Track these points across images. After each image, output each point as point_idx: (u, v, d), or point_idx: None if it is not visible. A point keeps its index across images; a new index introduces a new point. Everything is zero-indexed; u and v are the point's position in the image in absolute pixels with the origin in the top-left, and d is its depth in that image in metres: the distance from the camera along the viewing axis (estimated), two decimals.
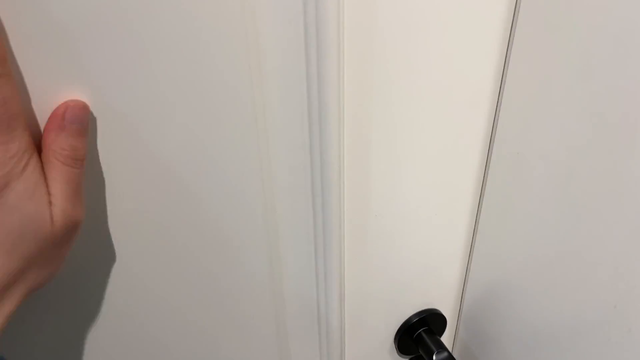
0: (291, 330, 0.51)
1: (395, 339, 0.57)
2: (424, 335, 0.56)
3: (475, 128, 0.45)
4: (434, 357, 0.54)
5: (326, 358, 0.53)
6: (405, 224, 0.47)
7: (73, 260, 0.34)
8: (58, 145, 0.28)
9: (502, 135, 0.44)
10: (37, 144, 0.28)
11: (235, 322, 0.47)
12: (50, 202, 0.27)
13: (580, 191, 0.37)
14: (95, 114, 0.30)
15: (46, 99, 0.29)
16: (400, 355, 0.59)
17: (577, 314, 0.42)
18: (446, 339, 0.61)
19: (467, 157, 0.46)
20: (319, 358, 0.54)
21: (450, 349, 0.55)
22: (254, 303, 0.46)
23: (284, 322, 0.50)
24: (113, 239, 0.36)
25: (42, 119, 0.29)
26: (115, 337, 0.42)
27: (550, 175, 0.40)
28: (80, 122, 0.29)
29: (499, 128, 0.44)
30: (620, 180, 0.33)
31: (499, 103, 0.43)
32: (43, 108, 0.29)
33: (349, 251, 0.47)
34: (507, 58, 0.41)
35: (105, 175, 0.33)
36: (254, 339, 0.49)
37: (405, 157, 0.43)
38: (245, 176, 0.38)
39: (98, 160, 0.32)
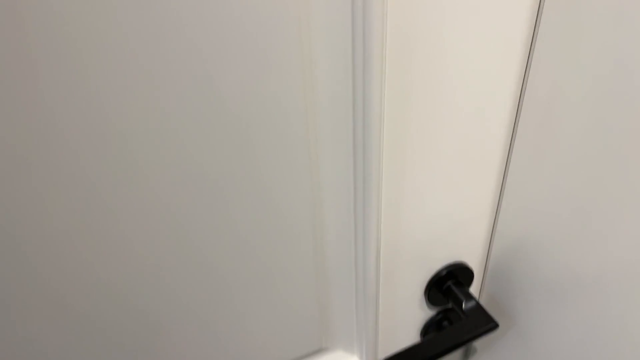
0: (331, 282, 0.54)
1: (425, 291, 0.60)
2: (452, 287, 0.59)
3: (506, 81, 0.47)
4: (464, 306, 0.57)
5: (362, 309, 0.56)
6: (437, 177, 0.50)
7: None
8: None
9: (533, 84, 0.46)
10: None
11: (278, 273, 0.50)
12: None
13: (610, 142, 0.39)
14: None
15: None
16: (429, 307, 0.62)
17: (603, 263, 0.44)
18: (473, 290, 0.64)
19: (497, 110, 0.49)
20: (355, 309, 0.57)
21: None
22: (296, 254, 0.49)
23: (325, 274, 0.53)
24: (155, 184, 0.39)
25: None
26: (156, 286, 0.45)
27: (581, 125, 0.42)
28: None
29: (530, 79, 0.46)
30: None
31: (530, 54, 0.45)
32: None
33: (384, 205, 0.49)
34: (541, 6, 0.43)
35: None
36: (296, 289, 0.52)
37: (440, 112, 0.46)
38: (292, 129, 0.41)
39: None
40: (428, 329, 0.64)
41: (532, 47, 0.45)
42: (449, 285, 0.59)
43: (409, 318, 0.62)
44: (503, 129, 0.51)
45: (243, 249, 0.46)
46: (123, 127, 0.35)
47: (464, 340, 0.54)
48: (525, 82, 0.47)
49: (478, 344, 0.71)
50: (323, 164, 0.45)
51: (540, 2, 0.43)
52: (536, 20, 0.44)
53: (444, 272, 0.59)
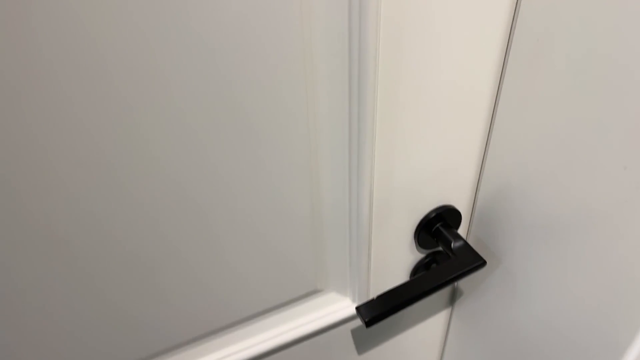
0: (325, 224, 0.55)
1: (415, 234, 0.62)
2: (441, 229, 0.61)
3: (495, 25, 0.48)
4: (452, 245, 0.59)
5: (355, 251, 0.58)
6: (428, 118, 0.51)
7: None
8: None
9: (523, 21, 0.47)
10: None
11: (275, 215, 0.51)
12: None
13: (598, 80, 0.41)
14: None
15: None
16: (419, 250, 0.65)
17: (585, 201, 0.47)
18: (461, 233, 0.66)
19: (486, 55, 0.50)
20: (349, 251, 0.59)
21: None
22: (293, 196, 0.50)
23: (320, 217, 0.54)
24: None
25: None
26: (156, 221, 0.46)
27: (568, 63, 0.43)
28: None
29: (519, 22, 0.47)
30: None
31: None
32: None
33: (376, 150, 0.50)
34: None
35: None
36: (292, 230, 0.53)
37: (430, 57, 0.47)
38: (288, 66, 0.41)
39: None
40: (417, 271, 0.67)
41: None
42: (437, 227, 0.61)
43: (400, 261, 0.64)
44: (491, 74, 0.52)
45: (238, 190, 0.47)
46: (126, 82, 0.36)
47: (454, 277, 0.57)
48: (514, 25, 0.48)
49: (464, 286, 0.75)
50: (320, 107, 0.46)
51: None
52: None
53: (433, 215, 0.61)
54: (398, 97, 0.48)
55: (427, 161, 0.56)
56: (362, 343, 0.74)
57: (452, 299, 0.79)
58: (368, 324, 0.54)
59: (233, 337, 0.61)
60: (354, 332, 0.71)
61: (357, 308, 0.56)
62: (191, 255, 0.50)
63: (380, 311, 0.54)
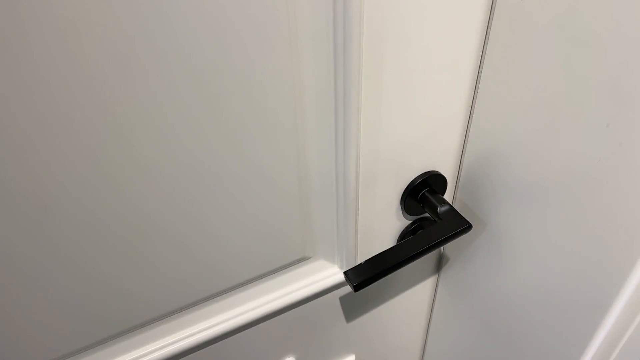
0: (313, 191, 0.55)
1: (401, 200, 0.62)
2: (427, 194, 0.62)
3: None
4: (439, 210, 0.60)
5: (342, 218, 0.58)
6: (412, 80, 0.51)
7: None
8: None
9: None
10: None
11: (261, 178, 0.51)
12: None
13: (581, 35, 0.41)
14: None
15: None
16: (406, 217, 0.65)
17: (569, 162, 0.47)
18: (446, 198, 0.66)
19: (471, 10, 0.49)
20: (336, 218, 0.59)
21: None
22: (279, 160, 0.50)
23: (307, 183, 0.54)
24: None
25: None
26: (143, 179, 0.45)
27: (551, 20, 0.43)
28: None
29: None
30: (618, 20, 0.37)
31: None
32: None
33: (363, 112, 0.50)
34: None
35: None
36: (279, 197, 0.53)
37: (414, 15, 0.46)
38: (272, 23, 0.41)
39: None
40: (404, 237, 0.67)
41: None
42: (423, 193, 0.62)
43: (387, 227, 0.65)
44: (475, 34, 0.52)
45: (222, 156, 0.47)
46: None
47: (440, 240, 0.58)
48: None
49: (450, 252, 0.76)
50: (305, 71, 0.45)
51: None
52: None
53: (419, 181, 0.61)
54: (382, 60, 0.47)
55: (412, 127, 0.56)
56: (350, 310, 0.75)
57: (439, 265, 0.80)
58: (356, 288, 0.55)
59: (222, 305, 0.61)
60: (343, 299, 0.72)
61: (345, 273, 0.56)
62: (176, 223, 0.50)
63: (368, 275, 0.55)
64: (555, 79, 0.45)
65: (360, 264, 0.56)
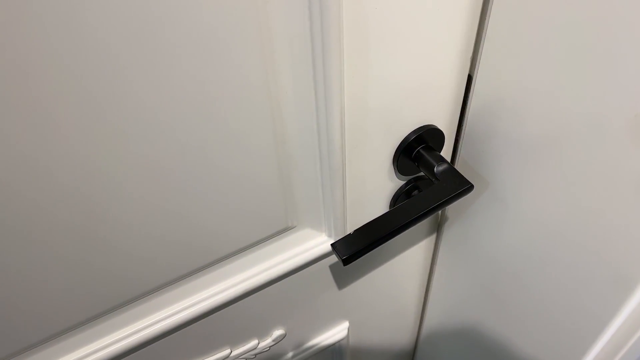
0: (292, 154, 0.49)
1: (394, 159, 0.56)
2: (422, 152, 0.55)
3: None
4: (435, 169, 0.53)
5: (328, 183, 0.52)
6: (403, 20, 0.43)
7: None
8: None
9: None
10: None
11: (231, 140, 0.44)
12: None
13: None
14: None
15: None
16: (399, 177, 0.59)
17: (583, 113, 0.40)
18: (445, 156, 0.60)
19: None
20: (321, 183, 0.53)
21: None
22: (251, 122, 0.43)
23: (284, 146, 0.47)
24: None
25: None
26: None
27: None
28: None
29: None
30: None
31: None
32: None
33: (346, 59, 0.43)
34: None
35: None
36: (254, 163, 0.47)
37: None
38: None
39: None
40: (398, 200, 0.61)
41: None
42: (418, 150, 0.55)
43: (378, 190, 0.59)
44: None
45: (187, 119, 0.40)
46: None
47: (438, 204, 0.51)
48: None
49: (450, 211, 0.70)
50: (271, 7, 0.37)
51: None
52: None
53: (413, 137, 0.54)
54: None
55: (404, 75, 0.48)
56: (341, 277, 0.69)
57: (437, 225, 0.74)
58: (345, 262, 0.49)
59: (203, 281, 0.56)
60: (333, 267, 0.66)
61: (332, 245, 0.50)
62: (146, 197, 0.43)
63: (359, 247, 0.49)
64: (571, 22, 0.38)
65: (350, 234, 0.50)
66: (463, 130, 0.58)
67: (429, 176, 0.55)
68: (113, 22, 0.32)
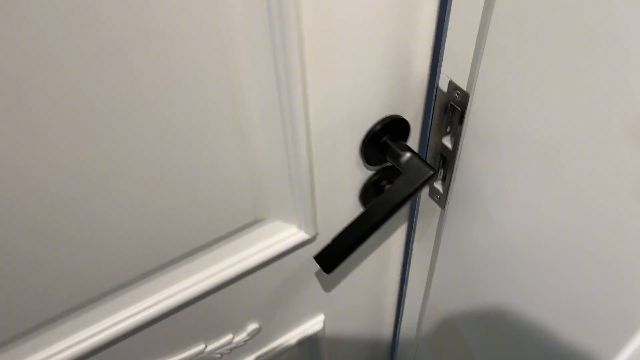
0: (258, 144, 0.49)
1: (361, 150, 0.56)
2: (388, 142, 0.56)
3: None
4: (400, 159, 0.54)
5: (296, 173, 0.52)
6: (364, 21, 0.43)
7: None
8: None
9: None
10: None
11: (200, 131, 0.44)
12: None
13: None
14: None
15: None
16: (367, 167, 0.59)
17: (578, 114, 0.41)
18: (411, 144, 0.60)
19: None
20: (289, 174, 0.53)
21: None
22: (210, 111, 0.43)
23: (249, 137, 0.47)
24: None
25: None
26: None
27: None
28: None
29: None
30: None
31: None
32: None
33: (307, 46, 0.42)
34: None
35: None
36: (215, 151, 0.47)
37: None
38: None
39: None
40: (367, 190, 0.62)
41: None
42: (384, 140, 0.56)
43: (347, 180, 0.59)
44: None
45: (157, 111, 0.40)
46: None
47: (406, 196, 0.52)
48: None
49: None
50: None
51: None
52: None
53: (378, 128, 0.55)
54: None
55: (365, 62, 0.48)
56: (314, 270, 0.70)
57: (410, 214, 0.75)
58: (329, 271, 0.53)
59: (170, 277, 0.56)
60: (304, 260, 0.67)
61: (315, 258, 0.54)
62: (113, 188, 0.43)
63: (339, 254, 0.54)
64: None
65: (328, 244, 0.53)
66: (464, 129, 0.56)
67: (396, 165, 0.55)
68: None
